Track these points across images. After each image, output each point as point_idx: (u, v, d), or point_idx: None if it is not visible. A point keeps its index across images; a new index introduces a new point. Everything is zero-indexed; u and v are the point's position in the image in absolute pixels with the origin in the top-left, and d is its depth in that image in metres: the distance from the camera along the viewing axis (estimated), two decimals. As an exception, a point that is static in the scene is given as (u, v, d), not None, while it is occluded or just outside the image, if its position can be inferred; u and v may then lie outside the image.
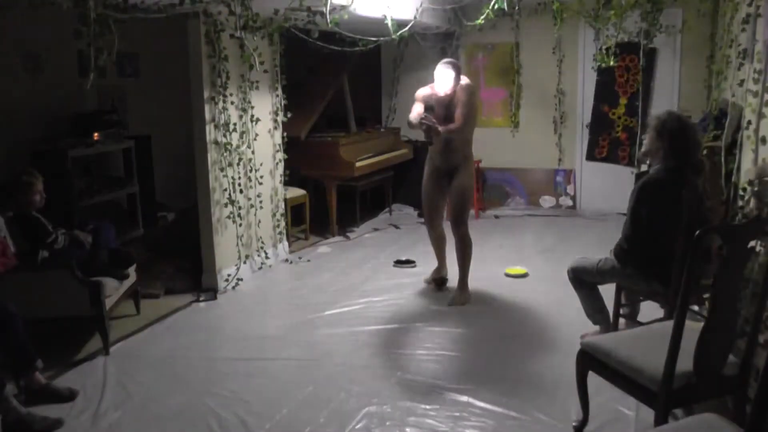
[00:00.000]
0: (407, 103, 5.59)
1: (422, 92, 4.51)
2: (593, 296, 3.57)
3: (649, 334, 2.70)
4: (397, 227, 6.80)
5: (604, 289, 3.59)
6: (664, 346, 2.27)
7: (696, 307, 3.45)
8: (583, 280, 3.54)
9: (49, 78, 5.34)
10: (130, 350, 3.90)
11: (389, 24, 4.86)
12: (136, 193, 6.06)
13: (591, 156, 7.14)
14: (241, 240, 5.05)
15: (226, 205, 4.87)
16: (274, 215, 5.59)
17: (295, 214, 6.13)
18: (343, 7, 4.34)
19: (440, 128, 4.18)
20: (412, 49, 7.29)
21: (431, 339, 3.96)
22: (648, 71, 6.65)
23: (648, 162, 3.51)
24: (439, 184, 4.60)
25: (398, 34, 5.05)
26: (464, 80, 4.42)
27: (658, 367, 2.30)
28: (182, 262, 5.04)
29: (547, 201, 7.40)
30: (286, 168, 5.72)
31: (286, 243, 5.79)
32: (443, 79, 4.30)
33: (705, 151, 4.00)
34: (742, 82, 3.77)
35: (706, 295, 3.32)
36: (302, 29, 4.82)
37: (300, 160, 6.10)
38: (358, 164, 6.34)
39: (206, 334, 4.12)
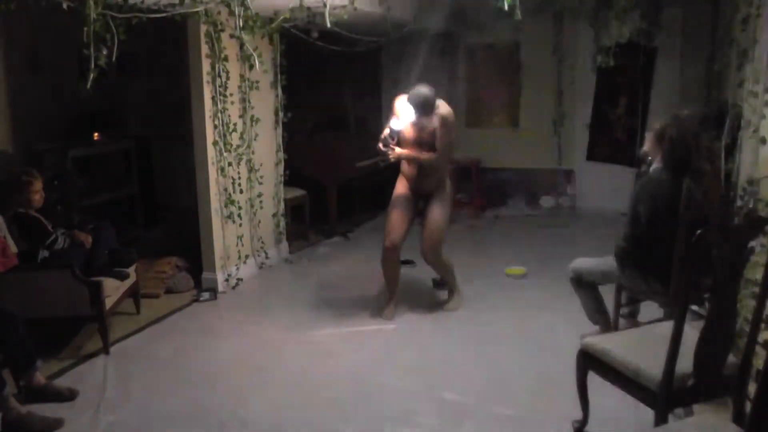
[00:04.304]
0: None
1: (399, 104, 4.03)
2: (593, 296, 3.57)
3: (649, 334, 2.70)
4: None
5: (604, 289, 3.59)
6: (664, 346, 2.26)
7: (696, 307, 3.45)
8: (583, 280, 3.54)
9: (49, 78, 5.34)
10: (130, 350, 3.90)
11: (389, 24, 4.86)
12: (136, 193, 6.06)
13: (591, 156, 7.13)
14: (241, 240, 5.05)
15: (226, 205, 4.86)
16: (274, 215, 5.59)
17: (295, 214, 6.13)
18: (343, 7, 4.34)
19: (413, 155, 4.01)
20: (412, 49, 7.28)
21: (431, 339, 3.97)
22: (648, 71, 6.64)
23: (648, 161, 3.51)
24: (412, 205, 4.28)
25: (398, 34, 5.05)
26: (444, 107, 4.01)
27: (658, 367, 2.29)
28: (182, 262, 5.04)
29: (547, 201, 7.39)
30: (286, 168, 5.72)
31: (286, 243, 5.79)
32: (404, 114, 3.93)
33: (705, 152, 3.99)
34: (742, 83, 3.76)
35: (707, 295, 3.31)
36: (302, 29, 4.82)
37: (300, 160, 6.10)
38: (358, 164, 6.33)
39: (206, 334, 4.12)
